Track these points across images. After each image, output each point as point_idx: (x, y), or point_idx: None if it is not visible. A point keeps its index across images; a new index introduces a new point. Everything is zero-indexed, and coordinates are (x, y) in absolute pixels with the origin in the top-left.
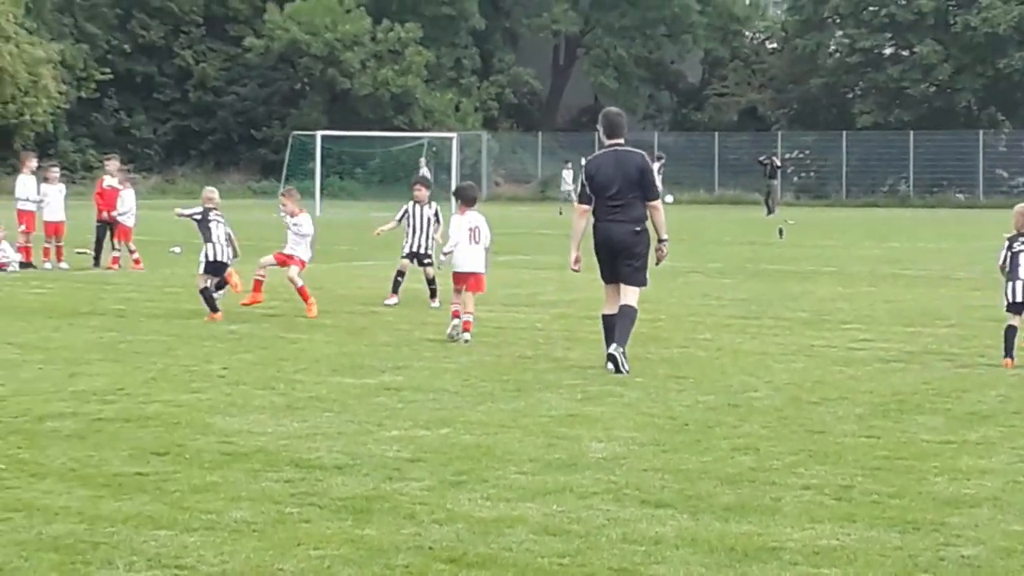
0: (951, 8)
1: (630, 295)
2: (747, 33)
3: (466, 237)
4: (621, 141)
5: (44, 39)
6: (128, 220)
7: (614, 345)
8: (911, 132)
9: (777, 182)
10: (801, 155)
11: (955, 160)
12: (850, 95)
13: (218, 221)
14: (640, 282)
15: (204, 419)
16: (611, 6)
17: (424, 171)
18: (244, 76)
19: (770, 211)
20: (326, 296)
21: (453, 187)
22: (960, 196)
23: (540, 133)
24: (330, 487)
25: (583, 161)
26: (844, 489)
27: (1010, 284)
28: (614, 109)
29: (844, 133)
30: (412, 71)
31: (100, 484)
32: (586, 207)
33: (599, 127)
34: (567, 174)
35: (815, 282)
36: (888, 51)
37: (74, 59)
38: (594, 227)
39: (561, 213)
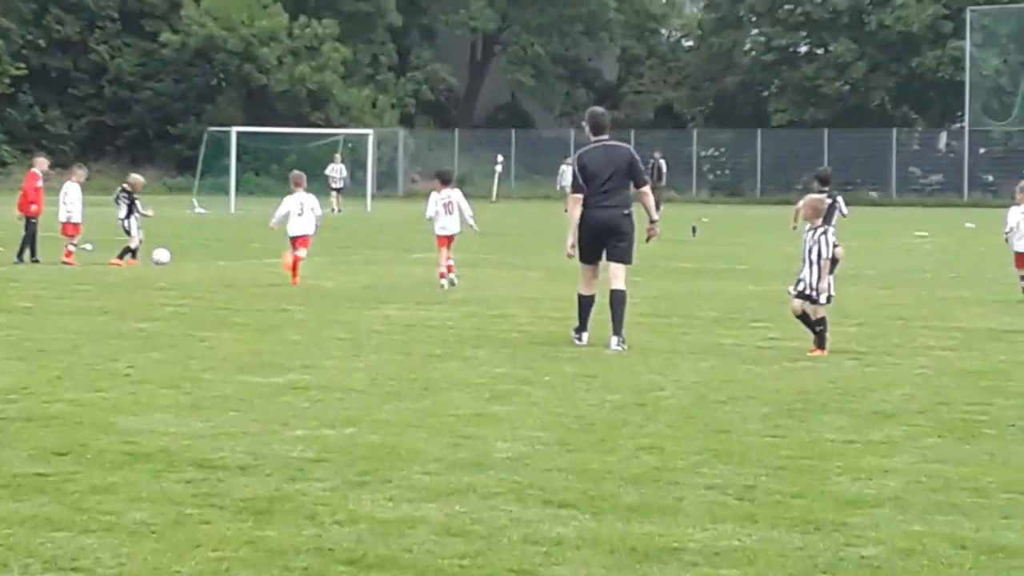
0: (866, 7)
1: (619, 277)
2: (663, 31)
3: (443, 209)
4: (606, 136)
5: None
6: (76, 216)
7: (615, 339)
8: (825, 130)
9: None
10: (716, 153)
11: (869, 158)
12: (765, 93)
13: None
14: (629, 259)
15: (107, 418)
16: (528, 3)
17: (339, 166)
18: (160, 71)
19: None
20: (237, 294)
21: (369, 182)
22: (873, 194)
23: (457, 130)
24: (232, 488)
25: (500, 157)
26: (747, 489)
27: None
28: (599, 109)
29: (759, 131)
30: (329, 67)
31: None
32: (578, 196)
33: (585, 124)
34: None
35: (727, 280)
36: (803, 49)
37: None
38: (584, 213)
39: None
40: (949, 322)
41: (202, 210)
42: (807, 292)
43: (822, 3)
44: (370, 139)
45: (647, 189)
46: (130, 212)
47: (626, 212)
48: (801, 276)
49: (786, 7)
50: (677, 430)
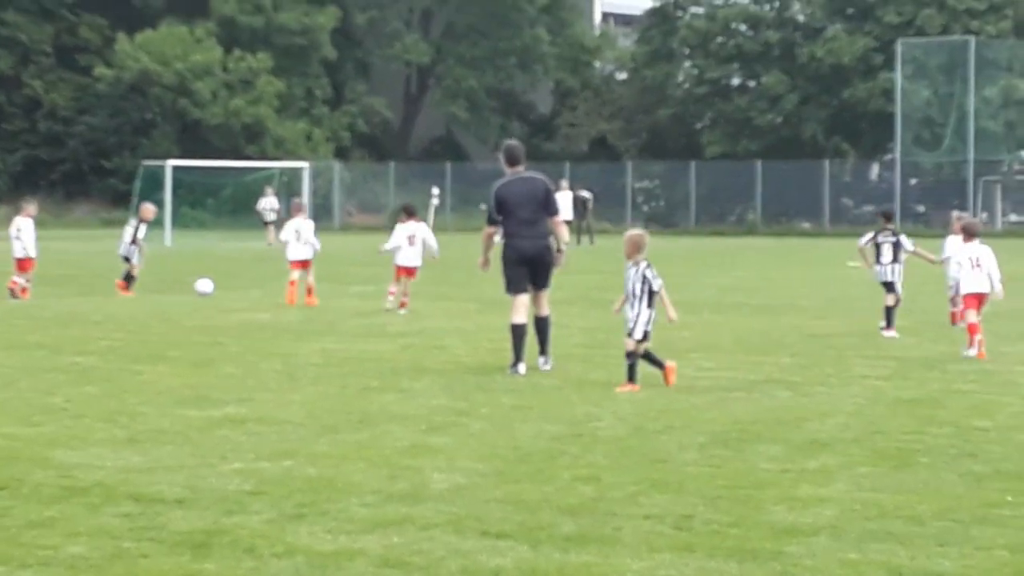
0: (797, 39)
1: (544, 303)
2: (597, 64)
3: (406, 242)
4: (522, 168)
5: None
6: (31, 251)
7: (542, 359)
8: (758, 162)
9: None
10: (650, 184)
11: (801, 189)
12: (698, 125)
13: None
14: (549, 285)
15: (44, 452)
16: (462, 36)
17: (272, 199)
18: (94, 106)
19: (592, 241)
20: (172, 328)
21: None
22: (806, 225)
23: (392, 163)
24: (169, 521)
25: (435, 190)
26: (684, 519)
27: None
28: (513, 141)
29: (693, 163)
30: (263, 101)
31: None
32: (493, 228)
33: (501, 156)
34: (436, 191)
35: (661, 311)
36: (735, 82)
37: None
38: (506, 244)
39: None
40: (882, 351)
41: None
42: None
43: (754, 36)
44: (305, 172)
45: (559, 219)
46: (134, 240)
47: (547, 243)
48: (628, 315)
49: (718, 40)
50: (614, 460)
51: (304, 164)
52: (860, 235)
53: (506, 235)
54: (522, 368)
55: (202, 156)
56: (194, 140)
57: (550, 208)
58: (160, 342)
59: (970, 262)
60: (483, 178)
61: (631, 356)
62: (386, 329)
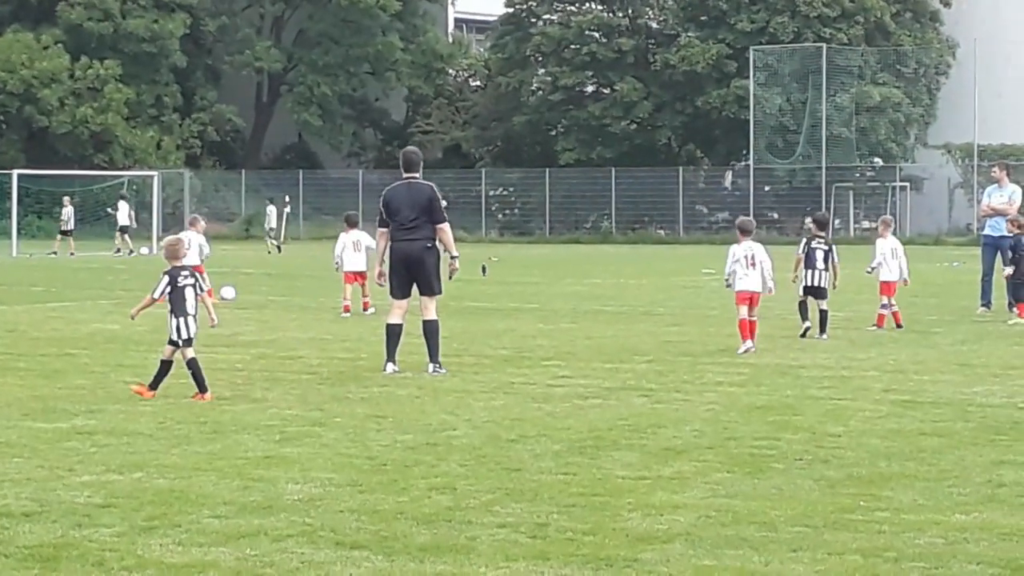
0: (651, 46)
1: (430, 308)
2: (451, 71)
3: (351, 247)
4: (417, 175)
5: None
6: None
7: (432, 366)
8: (613, 169)
9: None
10: (505, 192)
11: (656, 197)
12: (553, 132)
13: None
14: (437, 291)
15: None
16: (314, 43)
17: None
18: None
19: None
20: (19, 339)
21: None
22: (661, 232)
23: (243, 171)
24: (16, 535)
25: (287, 198)
26: (539, 527)
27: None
28: (411, 148)
29: (547, 170)
30: (112, 109)
31: None
32: (384, 230)
33: (400, 162)
34: (272, 210)
35: (517, 319)
36: (590, 89)
37: None
38: (391, 247)
39: (271, 252)
40: (737, 358)
41: None
42: None
43: (607, 43)
44: (155, 181)
45: (445, 227)
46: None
47: (428, 245)
48: None
49: (572, 47)
50: (469, 469)
51: (154, 173)
52: (713, 242)
53: (390, 239)
54: (390, 368)
55: (49, 165)
56: (41, 149)
57: (434, 215)
58: (7, 353)
59: (745, 260)
60: (336, 186)
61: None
62: (239, 339)
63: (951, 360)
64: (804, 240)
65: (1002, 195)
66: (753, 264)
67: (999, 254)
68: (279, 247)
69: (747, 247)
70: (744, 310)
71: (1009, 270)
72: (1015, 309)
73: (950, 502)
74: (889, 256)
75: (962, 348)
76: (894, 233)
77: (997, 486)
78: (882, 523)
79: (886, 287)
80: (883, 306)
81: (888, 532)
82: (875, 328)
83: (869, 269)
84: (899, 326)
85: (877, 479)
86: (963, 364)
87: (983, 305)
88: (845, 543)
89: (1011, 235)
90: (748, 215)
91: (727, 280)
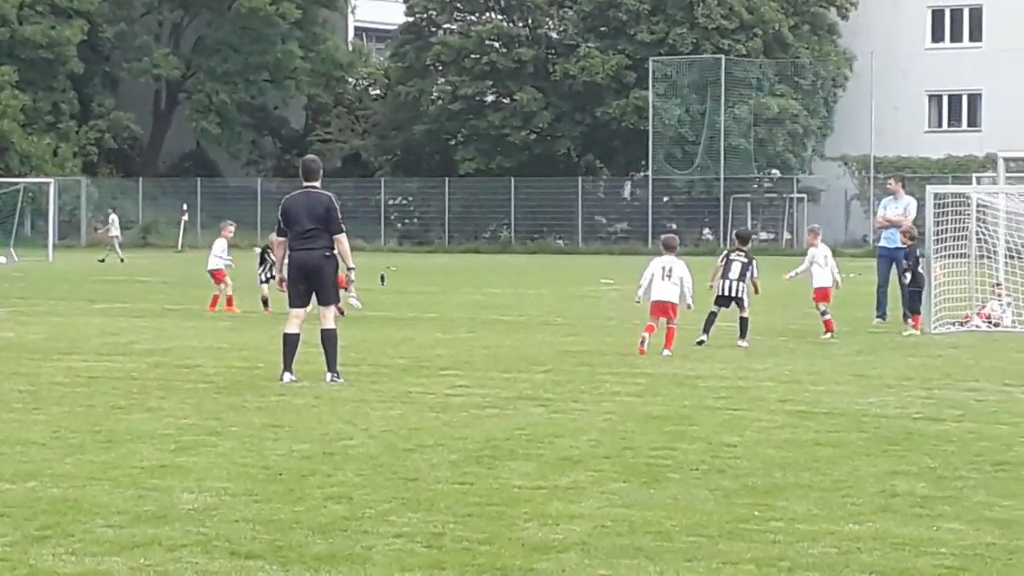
0: (551, 57)
1: (327, 316)
2: (350, 79)
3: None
4: (316, 184)
5: None
6: None
7: (329, 375)
8: (512, 179)
9: None
10: (404, 201)
11: (555, 207)
12: (453, 142)
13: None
14: (334, 299)
15: None
16: (213, 51)
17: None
18: None
19: None
20: None
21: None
22: (560, 242)
23: (141, 179)
24: None
25: (185, 207)
26: (436, 536)
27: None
28: (311, 157)
29: (447, 180)
30: (7, 115)
31: None
32: (281, 239)
33: (300, 171)
34: (114, 219)
35: (415, 328)
36: (490, 98)
37: None
38: (290, 256)
39: (103, 261)
40: (634, 368)
41: None
42: None
43: (507, 53)
44: (52, 188)
45: (341, 237)
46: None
47: (327, 254)
48: None
49: (472, 56)
50: (366, 479)
51: (50, 180)
52: (612, 252)
53: (288, 247)
54: (287, 377)
55: None
56: None
57: (331, 225)
58: None
59: (662, 271)
60: (235, 194)
61: None
62: (134, 347)
63: (846, 371)
64: (724, 252)
65: (897, 207)
66: (670, 276)
67: (894, 265)
68: (121, 258)
69: (668, 260)
70: (656, 321)
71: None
72: (910, 320)
73: (844, 512)
74: (822, 263)
75: (857, 359)
76: (792, 244)
77: (890, 496)
78: (776, 533)
79: (821, 294)
80: (823, 313)
81: (782, 542)
82: (829, 336)
83: (788, 277)
84: (830, 332)
85: (772, 489)
86: (858, 375)
87: (878, 316)
88: (740, 553)
89: (905, 246)
90: (647, 226)
91: (638, 296)
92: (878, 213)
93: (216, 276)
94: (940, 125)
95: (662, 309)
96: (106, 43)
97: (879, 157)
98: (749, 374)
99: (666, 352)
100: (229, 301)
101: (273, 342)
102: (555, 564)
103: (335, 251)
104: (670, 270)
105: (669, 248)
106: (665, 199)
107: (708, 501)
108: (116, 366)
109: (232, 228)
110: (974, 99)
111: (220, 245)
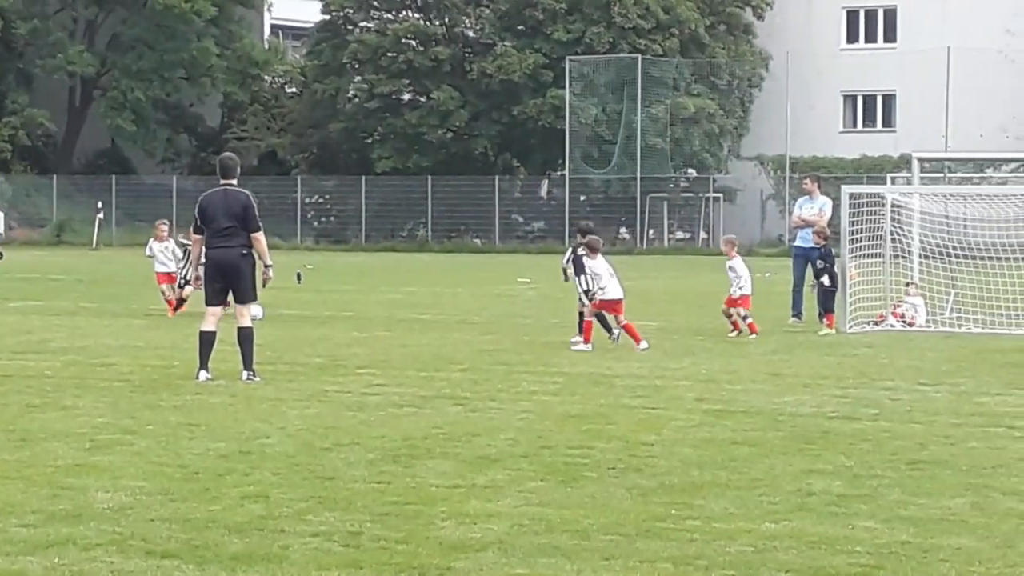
0: (467, 55)
1: (244, 316)
2: (267, 77)
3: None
4: (233, 182)
5: None
6: None
7: (246, 373)
8: (429, 177)
9: None
10: (321, 199)
11: (472, 205)
12: (369, 140)
13: None
14: (251, 298)
15: None
16: (128, 48)
17: None
18: None
19: None
20: None
21: None
22: (477, 241)
23: (55, 176)
24: None
25: (100, 204)
26: (353, 535)
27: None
28: (228, 155)
29: (364, 178)
30: None
31: None
32: (199, 236)
33: (217, 168)
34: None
35: (332, 327)
36: (406, 97)
37: None
38: (207, 254)
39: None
40: (551, 367)
41: None
42: None
43: (424, 51)
44: None
45: (259, 235)
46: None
47: (244, 252)
48: None
49: (388, 55)
50: (282, 478)
51: None
52: (529, 251)
53: (205, 245)
54: (203, 376)
55: None
56: None
57: (248, 223)
58: None
59: (608, 272)
60: (150, 192)
61: None
62: (48, 345)
63: (762, 370)
64: (571, 249)
65: (813, 207)
66: (613, 275)
67: (809, 265)
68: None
69: (607, 261)
70: (612, 318)
71: (826, 280)
72: (825, 319)
73: (760, 511)
74: (746, 273)
75: (773, 358)
76: (708, 244)
77: (806, 495)
78: (693, 531)
79: (744, 300)
80: (744, 317)
81: (699, 540)
82: (754, 336)
83: (736, 289)
84: (748, 332)
85: (689, 488)
86: (774, 374)
87: (794, 315)
88: (657, 551)
89: (819, 246)
90: (563, 225)
91: (592, 294)
92: (794, 213)
93: (163, 279)
94: (855, 125)
95: (617, 307)
96: (19, 39)
97: (795, 157)
98: (666, 373)
99: (644, 345)
100: (171, 304)
101: (189, 341)
102: (473, 563)
103: (252, 249)
104: (612, 270)
105: (596, 251)
106: (582, 198)
107: (625, 500)
108: (30, 364)
109: (165, 227)
110: (889, 100)
111: (156, 247)
